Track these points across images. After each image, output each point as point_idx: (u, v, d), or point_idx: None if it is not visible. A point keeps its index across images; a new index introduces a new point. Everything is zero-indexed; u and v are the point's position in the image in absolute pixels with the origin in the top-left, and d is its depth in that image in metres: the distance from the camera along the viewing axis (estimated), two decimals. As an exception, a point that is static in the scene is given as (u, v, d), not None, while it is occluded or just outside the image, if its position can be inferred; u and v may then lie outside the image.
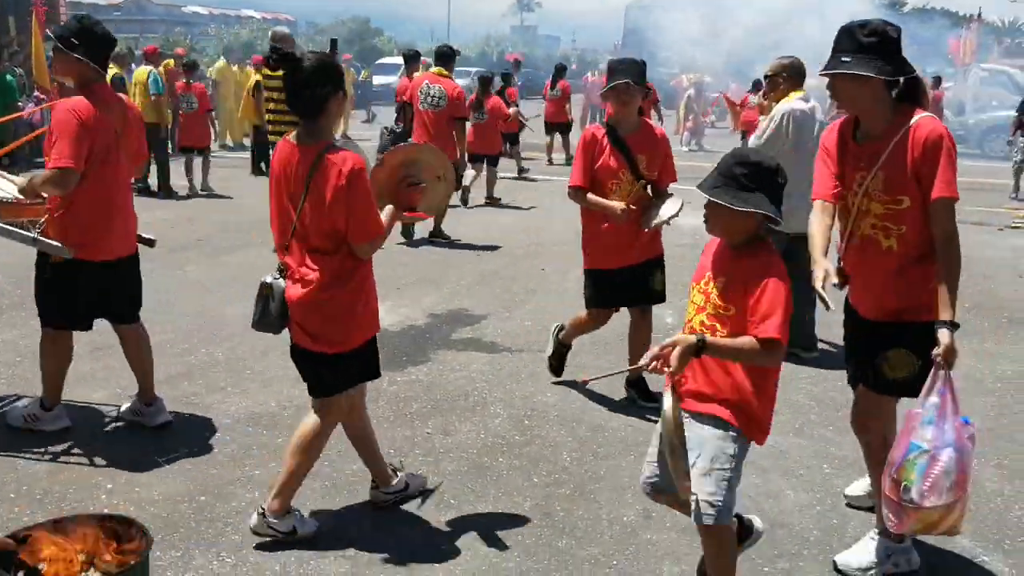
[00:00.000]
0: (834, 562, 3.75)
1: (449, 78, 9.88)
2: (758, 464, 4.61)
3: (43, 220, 4.50)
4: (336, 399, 3.81)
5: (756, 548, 3.67)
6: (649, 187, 5.21)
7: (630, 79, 5.03)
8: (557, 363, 5.72)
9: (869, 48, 3.36)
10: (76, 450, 4.54)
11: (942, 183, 3.34)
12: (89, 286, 4.58)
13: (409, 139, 9.83)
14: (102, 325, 4.81)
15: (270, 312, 3.73)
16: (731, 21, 46.64)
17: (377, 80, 34.96)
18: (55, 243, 4.44)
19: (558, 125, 17.76)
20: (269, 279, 3.73)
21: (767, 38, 36.07)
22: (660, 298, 5.43)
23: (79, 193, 4.41)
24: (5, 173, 5.11)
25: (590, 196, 5.17)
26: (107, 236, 4.59)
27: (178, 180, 13.18)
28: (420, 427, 4.97)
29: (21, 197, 4.62)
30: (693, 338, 2.93)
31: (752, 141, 6.23)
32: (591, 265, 5.39)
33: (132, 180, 5.03)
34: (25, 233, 4.46)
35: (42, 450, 4.52)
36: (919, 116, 3.41)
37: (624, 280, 5.29)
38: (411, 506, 4.10)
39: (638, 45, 42.50)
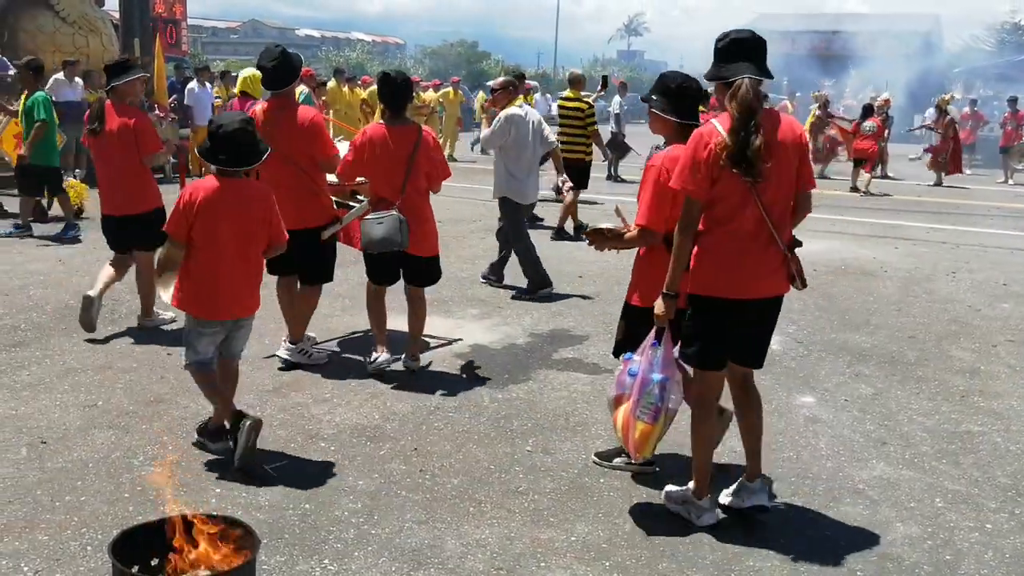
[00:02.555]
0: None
1: (705, 111, 12.00)
2: (866, 495, 4.48)
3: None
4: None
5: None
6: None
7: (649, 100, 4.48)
8: None
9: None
10: (188, 454, 4.69)
11: None
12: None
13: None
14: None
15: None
16: (840, 45, 45.91)
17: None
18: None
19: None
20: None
21: (879, 64, 35.39)
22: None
23: None
24: None
25: None
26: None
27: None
28: (520, 444, 4.97)
29: None
30: None
31: (483, 135, 8.18)
32: None
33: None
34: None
35: (156, 453, 4.69)
36: None
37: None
38: (511, 523, 4.10)
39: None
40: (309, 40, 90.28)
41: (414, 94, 20.20)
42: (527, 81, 16.16)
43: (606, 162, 17.97)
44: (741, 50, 3.91)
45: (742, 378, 4.22)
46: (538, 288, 8.22)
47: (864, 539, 4.05)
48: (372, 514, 4.14)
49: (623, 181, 17.69)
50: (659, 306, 4.02)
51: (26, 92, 10.46)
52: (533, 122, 8.15)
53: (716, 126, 3.82)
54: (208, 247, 4.51)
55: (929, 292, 9.00)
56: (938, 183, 19.56)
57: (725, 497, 4.29)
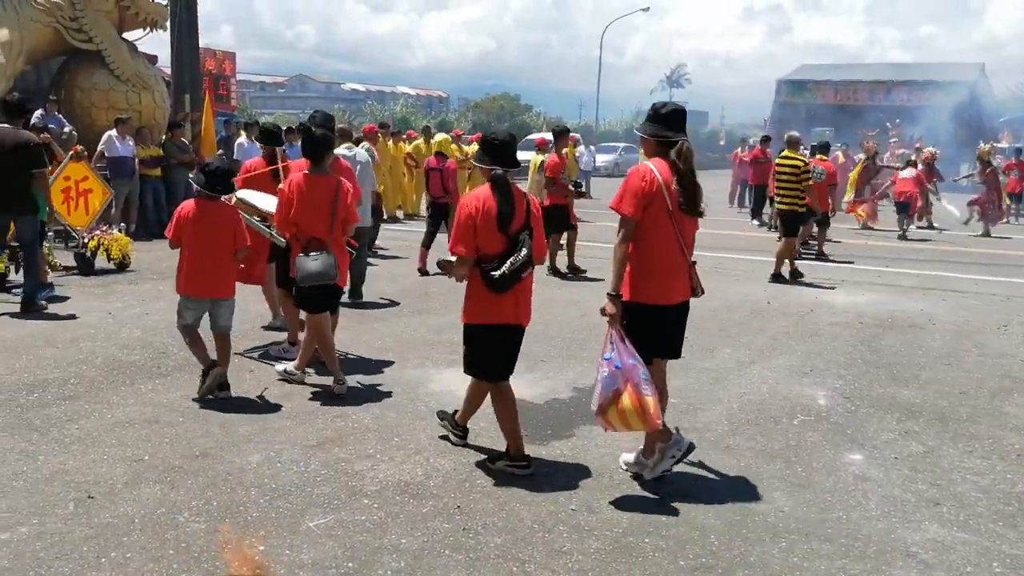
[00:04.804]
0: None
1: (827, 160, 15.16)
2: (920, 558, 4.37)
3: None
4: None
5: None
6: None
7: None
8: None
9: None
10: (232, 510, 4.70)
11: None
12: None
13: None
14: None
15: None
16: (884, 95, 45.63)
17: (522, 156, 35.23)
18: (278, 236, 7.30)
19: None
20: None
21: (923, 113, 35.14)
22: None
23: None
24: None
25: None
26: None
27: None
28: (565, 503, 4.92)
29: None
30: None
31: None
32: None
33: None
34: (260, 225, 7.59)
35: (201, 509, 4.71)
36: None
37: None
38: (554, 583, 4.05)
39: (789, 120, 42.15)
40: (354, 94, 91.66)
41: (458, 146, 20.77)
42: (572, 134, 16.82)
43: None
44: (680, 118, 5.03)
45: (662, 368, 5.26)
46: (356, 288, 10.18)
47: (918, 605, 3.95)
48: (415, 573, 4.10)
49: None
50: (608, 306, 4.93)
51: None
52: (361, 163, 9.73)
53: (652, 168, 4.92)
54: (186, 246, 6.46)
55: (980, 346, 8.83)
56: (986, 233, 19.33)
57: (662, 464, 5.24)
